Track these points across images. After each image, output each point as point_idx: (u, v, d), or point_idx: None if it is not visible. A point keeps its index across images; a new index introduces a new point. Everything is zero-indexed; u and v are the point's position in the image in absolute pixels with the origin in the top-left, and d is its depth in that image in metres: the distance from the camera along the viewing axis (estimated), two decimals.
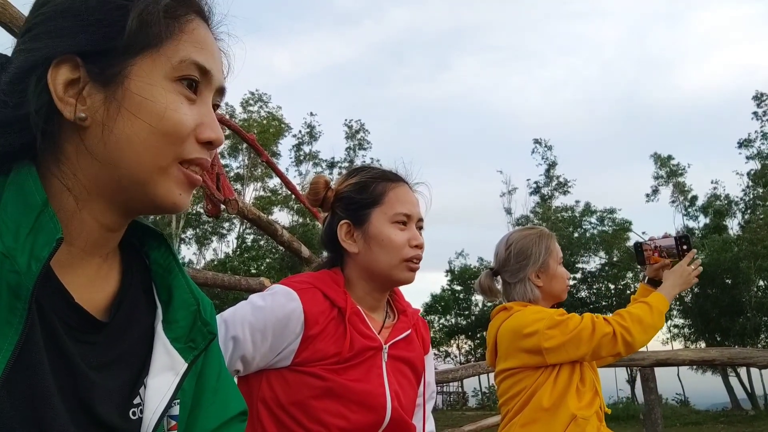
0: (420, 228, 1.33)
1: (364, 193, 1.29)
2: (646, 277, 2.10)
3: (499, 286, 2.00)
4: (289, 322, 1.15)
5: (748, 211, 27.62)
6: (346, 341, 1.17)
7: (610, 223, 30.10)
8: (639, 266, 2.11)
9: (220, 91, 0.69)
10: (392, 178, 1.33)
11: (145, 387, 0.65)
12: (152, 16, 0.60)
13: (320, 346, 1.16)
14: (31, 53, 0.59)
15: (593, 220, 30.89)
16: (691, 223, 29.59)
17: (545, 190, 32.97)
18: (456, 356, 33.08)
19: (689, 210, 30.05)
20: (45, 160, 0.61)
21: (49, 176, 0.61)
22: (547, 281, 1.91)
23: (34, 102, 0.58)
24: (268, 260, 26.64)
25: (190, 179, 0.64)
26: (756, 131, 28.40)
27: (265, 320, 1.14)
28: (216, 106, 0.69)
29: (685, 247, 2.00)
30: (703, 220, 29.17)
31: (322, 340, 1.16)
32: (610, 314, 1.85)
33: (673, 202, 30.44)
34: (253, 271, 24.51)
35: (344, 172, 1.41)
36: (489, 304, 2.23)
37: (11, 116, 0.58)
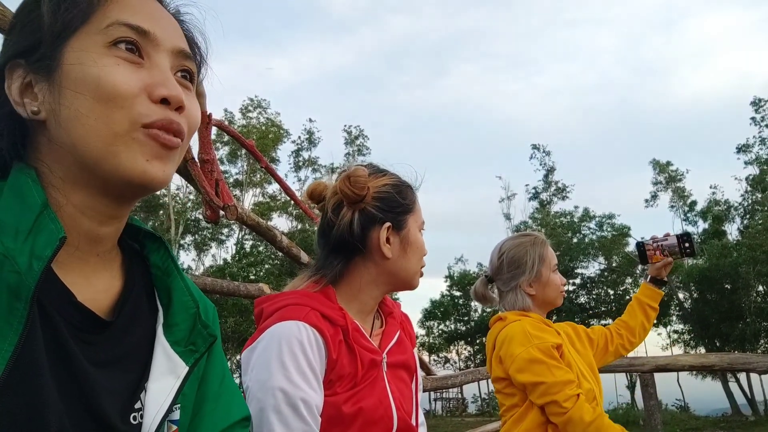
0: None
1: (403, 196, 1.24)
2: (649, 276, 2.09)
3: (495, 293, 1.98)
4: (312, 347, 1.08)
5: (747, 216, 27.65)
6: (357, 360, 1.13)
7: (609, 229, 30.11)
8: (642, 265, 2.10)
9: (183, 55, 0.67)
10: (413, 186, 1.30)
11: (145, 391, 0.65)
12: None
13: (339, 370, 1.11)
14: None
15: (592, 225, 30.93)
16: (691, 228, 29.60)
17: (544, 196, 33.00)
18: (455, 362, 33.02)
19: (688, 215, 30.09)
20: (32, 161, 0.63)
21: (41, 176, 0.62)
22: (539, 289, 1.88)
23: (7, 107, 0.62)
24: (267, 266, 26.57)
25: (159, 140, 0.61)
26: (754, 136, 28.51)
27: (301, 360, 1.05)
28: (191, 74, 0.68)
29: (686, 244, 1.97)
30: (702, 226, 29.20)
31: (340, 362, 1.11)
32: (610, 322, 1.82)
33: (672, 207, 30.51)
34: (252, 276, 24.45)
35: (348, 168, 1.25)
36: (488, 310, 2.22)
37: None
